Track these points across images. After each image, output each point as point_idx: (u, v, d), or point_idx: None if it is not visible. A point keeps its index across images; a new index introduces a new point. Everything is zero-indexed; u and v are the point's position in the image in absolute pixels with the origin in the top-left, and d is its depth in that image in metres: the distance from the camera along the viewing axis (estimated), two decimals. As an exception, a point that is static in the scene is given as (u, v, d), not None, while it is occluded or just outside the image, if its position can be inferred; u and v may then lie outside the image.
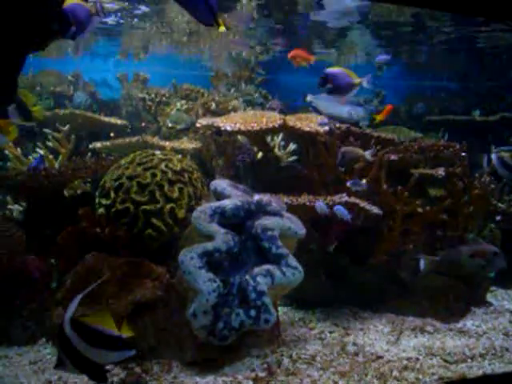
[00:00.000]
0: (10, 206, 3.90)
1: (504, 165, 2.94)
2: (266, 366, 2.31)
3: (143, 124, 5.39)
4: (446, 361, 2.44)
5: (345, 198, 2.89)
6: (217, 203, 2.38)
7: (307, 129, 3.16)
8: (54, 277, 2.95)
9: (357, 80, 2.64)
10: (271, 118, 3.27)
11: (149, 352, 2.38)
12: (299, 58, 3.83)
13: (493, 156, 2.97)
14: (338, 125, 3.42)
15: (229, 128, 3.13)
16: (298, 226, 2.47)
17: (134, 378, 2.22)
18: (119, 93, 6.10)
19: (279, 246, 2.33)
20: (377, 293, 3.13)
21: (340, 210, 2.70)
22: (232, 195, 2.44)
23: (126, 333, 1.77)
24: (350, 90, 2.65)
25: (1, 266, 2.70)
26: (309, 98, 2.88)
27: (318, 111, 2.89)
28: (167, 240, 2.61)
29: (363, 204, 2.89)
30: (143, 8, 6.10)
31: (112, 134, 4.88)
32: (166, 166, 2.64)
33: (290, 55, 4.01)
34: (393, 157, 3.18)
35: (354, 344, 2.62)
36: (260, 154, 4.13)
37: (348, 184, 2.95)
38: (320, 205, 2.69)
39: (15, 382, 2.17)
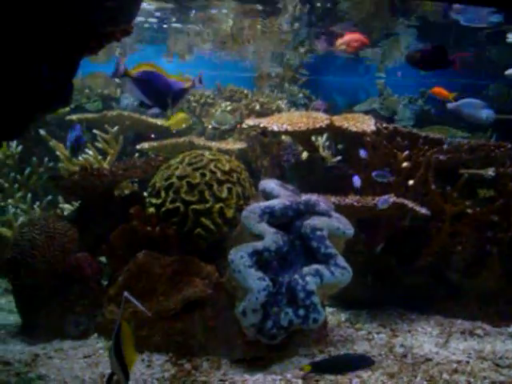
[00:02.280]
0: (60, 205, 4.03)
1: None
2: (314, 365, 2.32)
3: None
4: (497, 365, 2.39)
5: (392, 198, 2.87)
6: (266, 203, 2.40)
7: (354, 129, 3.15)
8: (104, 274, 3.04)
9: None
10: (318, 119, 3.27)
11: (198, 349, 2.43)
12: (354, 43, 3.82)
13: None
14: (384, 124, 3.40)
15: (276, 128, 3.15)
16: (346, 226, 2.47)
17: (184, 374, 2.26)
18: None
19: (328, 246, 2.33)
20: (424, 294, 3.09)
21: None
22: (281, 195, 2.46)
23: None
24: None
25: (56, 262, 2.80)
26: (449, 105, 3.13)
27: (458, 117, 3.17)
28: (216, 239, 2.64)
29: (411, 204, 2.86)
30: (189, 11, 6.19)
31: (152, 136, 4.97)
32: (215, 166, 2.68)
33: (339, 42, 3.99)
34: (441, 157, 3.14)
35: (402, 346, 2.59)
36: (305, 155, 4.14)
37: (373, 174, 2.94)
38: (385, 199, 2.67)
39: (71, 374, 2.24)
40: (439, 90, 4.50)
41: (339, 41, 3.97)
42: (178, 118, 4.23)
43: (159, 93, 2.38)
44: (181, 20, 6.60)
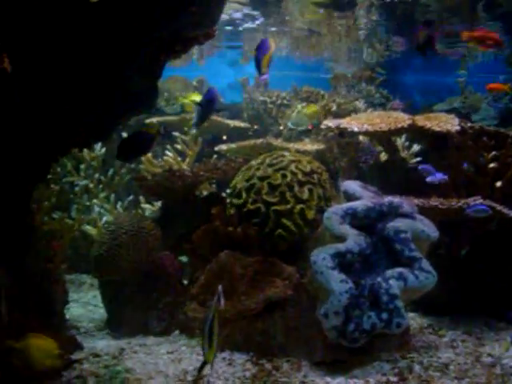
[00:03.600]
0: (142, 205, 4.17)
1: None
2: (396, 370, 2.26)
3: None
4: None
5: (479, 200, 2.76)
6: (348, 204, 2.38)
7: (437, 129, 3.05)
8: (185, 273, 3.11)
9: None
10: (399, 118, 3.20)
11: (278, 350, 2.43)
12: (489, 41, 3.59)
13: None
14: (469, 124, 3.28)
15: (356, 129, 3.11)
16: (430, 229, 2.40)
17: (264, 374, 2.27)
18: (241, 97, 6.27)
19: (412, 249, 2.28)
20: (513, 302, 2.94)
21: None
22: (363, 196, 2.43)
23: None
24: None
25: (140, 260, 2.89)
26: None
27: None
28: (296, 240, 2.64)
29: (499, 207, 2.74)
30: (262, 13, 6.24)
31: (224, 137, 5.03)
32: (296, 167, 2.68)
33: (467, 34, 3.80)
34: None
35: (490, 355, 2.48)
36: (383, 156, 4.06)
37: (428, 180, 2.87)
38: (479, 208, 2.59)
39: (156, 369, 2.31)
40: (495, 86, 4.28)
41: (466, 34, 3.72)
42: (311, 110, 4.24)
43: None
44: (257, 21, 6.66)
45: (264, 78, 2.33)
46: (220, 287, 1.80)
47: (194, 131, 4.36)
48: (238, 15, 6.20)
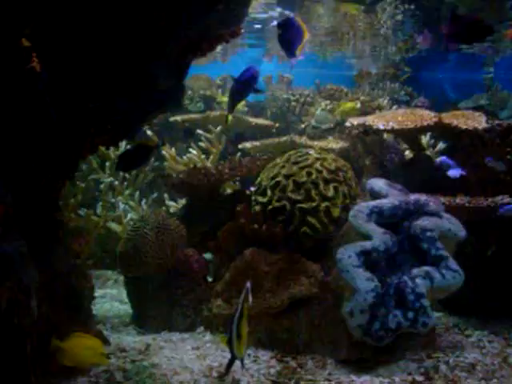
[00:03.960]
0: (167, 202, 4.20)
1: None
2: (422, 370, 2.25)
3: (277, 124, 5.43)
4: None
5: (507, 199, 2.72)
6: (374, 202, 2.36)
7: (464, 126, 3.02)
8: (210, 270, 3.12)
9: None
10: (424, 116, 3.17)
11: (303, 347, 2.43)
12: None
13: None
14: (496, 121, 3.23)
15: (381, 127, 3.09)
16: (457, 228, 2.38)
17: (289, 372, 2.28)
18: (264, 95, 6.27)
19: (439, 248, 2.26)
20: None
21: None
22: (389, 194, 2.41)
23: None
24: None
25: (165, 257, 2.91)
26: None
27: None
28: (321, 238, 2.63)
29: (528, 206, 2.69)
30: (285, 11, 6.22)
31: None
32: (321, 164, 2.67)
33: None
34: None
35: (518, 356, 2.45)
36: (408, 153, 4.03)
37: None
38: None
39: (181, 365, 2.33)
40: None
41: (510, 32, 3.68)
42: (348, 107, 4.25)
43: None
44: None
45: (296, 59, 2.12)
46: (248, 283, 1.80)
47: (218, 129, 4.37)
48: (262, 15, 6.19)
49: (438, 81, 8.96)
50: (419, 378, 2.18)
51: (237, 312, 1.77)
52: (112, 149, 4.27)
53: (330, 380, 2.19)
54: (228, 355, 2.00)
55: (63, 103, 2.03)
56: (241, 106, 4.46)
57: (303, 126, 5.39)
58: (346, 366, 2.31)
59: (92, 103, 2.15)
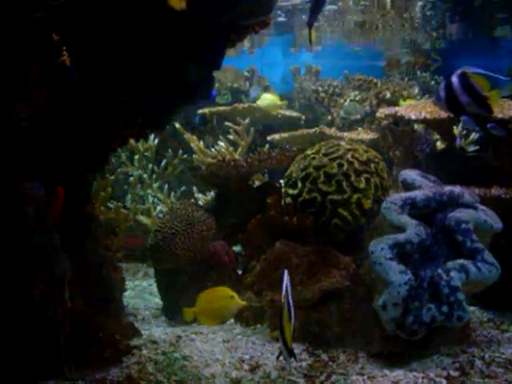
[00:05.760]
0: (195, 195, 4.20)
1: None
2: (457, 365, 2.20)
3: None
4: None
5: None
6: (407, 194, 2.32)
7: (500, 115, 2.93)
8: (239, 262, 3.12)
9: None
10: (458, 106, 3.09)
11: (334, 340, 2.41)
12: None
13: None
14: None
15: (413, 117, 3.02)
16: (493, 220, 2.31)
17: (321, 365, 2.25)
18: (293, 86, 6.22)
19: (474, 240, 2.20)
20: None
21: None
22: (423, 186, 2.36)
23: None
24: None
25: (195, 249, 2.92)
26: None
27: None
28: (353, 230, 2.60)
29: None
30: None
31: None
32: (352, 156, 2.63)
33: None
34: None
35: (556, 352, 2.38)
36: (440, 144, 3.95)
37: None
38: None
39: (212, 358, 2.33)
40: None
41: None
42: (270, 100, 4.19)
43: None
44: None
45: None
46: (286, 272, 1.75)
47: (246, 121, 4.34)
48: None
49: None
50: (454, 373, 2.13)
51: (287, 301, 1.72)
52: (140, 141, 4.30)
53: (362, 374, 2.16)
54: (258, 348, 1.99)
55: (93, 96, 2.04)
56: (276, 99, 4.40)
57: (332, 117, 5.33)
58: (378, 360, 2.28)
59: (122, 96, 2.15)
